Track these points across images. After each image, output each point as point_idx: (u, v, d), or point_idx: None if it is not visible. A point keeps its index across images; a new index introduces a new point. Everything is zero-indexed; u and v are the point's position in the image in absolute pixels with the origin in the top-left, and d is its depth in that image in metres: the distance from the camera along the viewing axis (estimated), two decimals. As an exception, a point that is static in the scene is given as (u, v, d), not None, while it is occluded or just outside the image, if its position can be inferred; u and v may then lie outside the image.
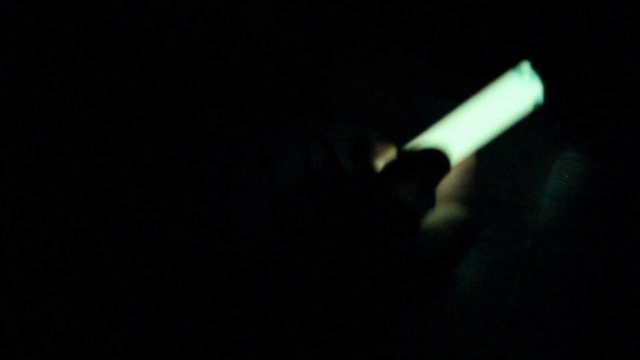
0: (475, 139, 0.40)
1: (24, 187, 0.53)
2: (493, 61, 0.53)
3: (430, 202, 0.39)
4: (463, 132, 0.39)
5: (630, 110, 0.51)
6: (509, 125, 0.39)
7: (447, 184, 0.42)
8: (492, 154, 0.49)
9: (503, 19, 0.54)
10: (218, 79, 0.53)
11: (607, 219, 0.47)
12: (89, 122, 0.53)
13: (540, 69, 0.38)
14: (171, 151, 0.53)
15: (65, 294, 0.51)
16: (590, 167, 0.48)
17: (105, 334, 0.50)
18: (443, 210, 0.40)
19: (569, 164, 0.48)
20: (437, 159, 0.39)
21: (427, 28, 0.55)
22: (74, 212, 0.52)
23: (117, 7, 0.50)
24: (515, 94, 0.39)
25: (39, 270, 0.51)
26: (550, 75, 0.39)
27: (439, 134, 0.40)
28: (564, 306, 0.47)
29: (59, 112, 0.54)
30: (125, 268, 0.51)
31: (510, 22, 0.54)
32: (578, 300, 0.47)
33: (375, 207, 0.36)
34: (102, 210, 0.52)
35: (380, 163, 0.40)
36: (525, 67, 0.39)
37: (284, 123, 0.52)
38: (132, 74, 0.54)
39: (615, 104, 0.51)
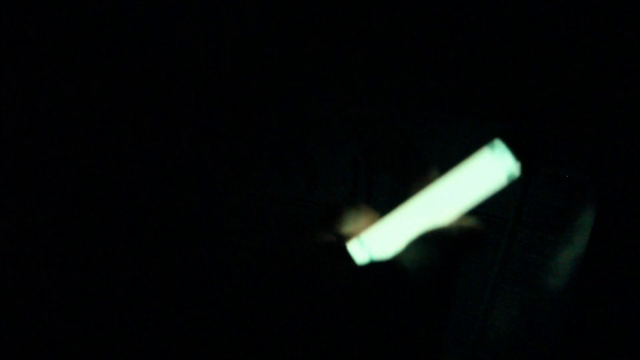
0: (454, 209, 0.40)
1: (24, 187, 0.53)
2: (477, 70, 0.53)
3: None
4: (443, 202, 0.40)
5: (600, 120, 0.51)
6: (485, 196, 0.40)
7: None
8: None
9: (488, 28, 0.53)
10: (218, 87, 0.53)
11: (577, 228, 0.48)
12: (93, 126, 0.53)
13: (511, 146, 0.39)
14: (176, 155, 0.53)
15: (65, 294, 0.52)
16: (559, 177, 0.48)
17: (104, 334, 0.52)
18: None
19: (538, 173, 0.48)
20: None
21: (411, 38, 0.54)
22: (75, 214, 0.53)
23: (116, 12, 0.49)
24: (489, 169, 0.39)
25: (39, 270, 0.52)
26: (522, 149, 0.40)
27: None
28: (533, 320, 0.48)
29: (61, 113, 0.53)
30: (127, 268, 0.52)
31: (495, 31, 0.53)
32: (548, 312, 0.48)
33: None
34: (106, 212, 0.53)
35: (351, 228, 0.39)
36: (498, 144, 0.39)
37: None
38: (133, 78, 0.53)
39: (586, 115, 0.51)
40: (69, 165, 0.53)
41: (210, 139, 0.52)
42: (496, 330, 0.48)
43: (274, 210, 0.50)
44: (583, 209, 0.48)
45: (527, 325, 0.48)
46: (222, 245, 0.51)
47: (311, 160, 0.51)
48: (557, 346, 0.48)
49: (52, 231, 0.53)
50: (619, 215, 0.48)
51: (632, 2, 0.54)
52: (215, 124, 0.52)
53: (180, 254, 0.51)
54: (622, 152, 0.48)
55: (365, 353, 0.34)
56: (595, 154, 0.48)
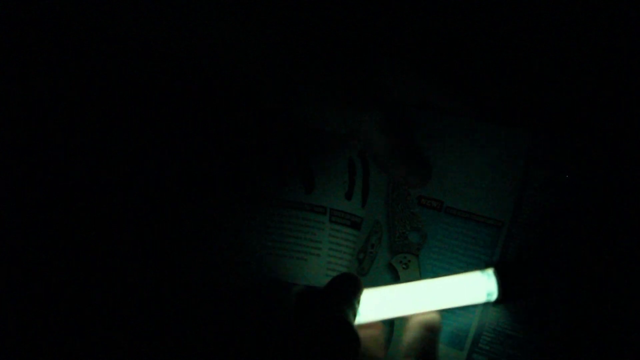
0: (431, 305, 0.47)
1: (24, 187, 0.53)
2: (473, 71, 0.53)
3: None
4: (424, 295, 0.47)
5: (599, 118, 0.51)
6: (461, 305, 0.47)
7: (409, 338, 0.46)
8: (461, 165, 0.49)
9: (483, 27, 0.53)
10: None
11: (576, 230, 0.48)
12: (88, 128, 0.53)
13: (501, 277, 0.47)
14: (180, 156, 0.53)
15: (63, 294, 0.52)
16: (559, 176, 0.48)
17: (103, 334, 0.52)
18: None
19: (538, 174, 0.48)
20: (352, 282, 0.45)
21: (407, 39, 0.54)
22: (75, 215, 0.53)
23: (118, 16, 0.49)
24: (474, 288, 0.47)
25: (39, 270, 0.52)
26: (508, 283, 0.47)
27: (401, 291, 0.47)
28: (530, 321, 0.48)
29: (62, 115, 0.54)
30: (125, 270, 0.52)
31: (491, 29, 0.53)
32: (546, 314, 0.48)
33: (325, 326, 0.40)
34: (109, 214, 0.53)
35: None
36: (490, 272, 0.47)
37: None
38: (128, 80, 0.53)
39: (585, 112, 0.51)
40: (64, 165, 0.53)
41: (205, 141, 0.52)
42: (493, 331, 0.48)
43: (270, 213, 0.50)
44: (581, 210, 0.48)
45: (525, 327, 0.48)
46: (218, 247, 0.51)
47: (307, 162, 0.51)
48: (555, 347, 0.48)
49: (50, 232, 0.53)
50: (618, 217, 0.48)
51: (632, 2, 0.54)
52: (211, 125, 0.52)
53: (176, 255, 0.51)
54: (622, 152, 0.48)
55: None
56: (594, 154, 0.48)
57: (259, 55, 0.48)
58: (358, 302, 0.44)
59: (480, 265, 0.48)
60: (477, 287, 0.47)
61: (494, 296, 0.47)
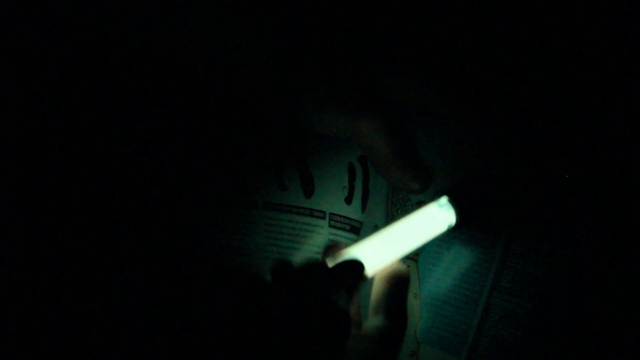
0: (397, 252, 0.45)
1: (24, 187, 0.53)
2: (469, 75, 0.53)
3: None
4: (387, 246, 0.45)
5: (598, 118, 0.51)
6: (426, 241, 0.47)
7: (376, 293, 0.45)
8: (461, 170, 0.49)
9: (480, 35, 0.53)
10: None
11: (576, 230, 0.48)
12: (88, 127, 0.54)
13: (455, 202, 0.47)
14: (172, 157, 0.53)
15: (63, 294, 0.53)
16: (559, 177, 0.48)
17: (103, 334, 0.52)
18: (370, 323, 0.44)
19: (539, 177, 0.48)
20: (356, 268, 0.43)
21: (407, 43, 0.54)
22: (75, 215, 0.53)
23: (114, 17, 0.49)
24: (433, 219, 0.47)
25: (39, 270, 0.53)
26: (462, 206, 0.47)
27: (364, 246, 0.45)
28: (528, 329, 0.48)
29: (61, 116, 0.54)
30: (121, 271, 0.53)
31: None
32: (545, 321, 0.48)
33: (316, 312, 0.40)
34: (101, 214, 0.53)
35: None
36: (443, 200, 0.47)
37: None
38: (124, 81, 0.53)
39: (584, 113, 0.51)
40: (64, 165, 0.53)
41: (205, 143, 0.52)
42: (491, 337, 0.48)
43: (269, 217, 0.50)
44: (580, 215, 0.48)
45: (523, 333, 0.48)
46: (217, 250, 0.51)
47: (306, 166, 0.51)
48: (555, 354, 0.48)
49: (50, 232, 0.53)
50: (618, 220, 0.48)
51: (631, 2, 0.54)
52: (211, 127, 0.52)
53: (175, 257, 0.51)
54: (622, 152, 0.48)
55: None
56: (594, 154, 0.48)
57: (258, 56, 0.48)
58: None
59: (480, 273, 0.48)
60: (436, 221, 0.47)
61: (453, 223, 0.47)
